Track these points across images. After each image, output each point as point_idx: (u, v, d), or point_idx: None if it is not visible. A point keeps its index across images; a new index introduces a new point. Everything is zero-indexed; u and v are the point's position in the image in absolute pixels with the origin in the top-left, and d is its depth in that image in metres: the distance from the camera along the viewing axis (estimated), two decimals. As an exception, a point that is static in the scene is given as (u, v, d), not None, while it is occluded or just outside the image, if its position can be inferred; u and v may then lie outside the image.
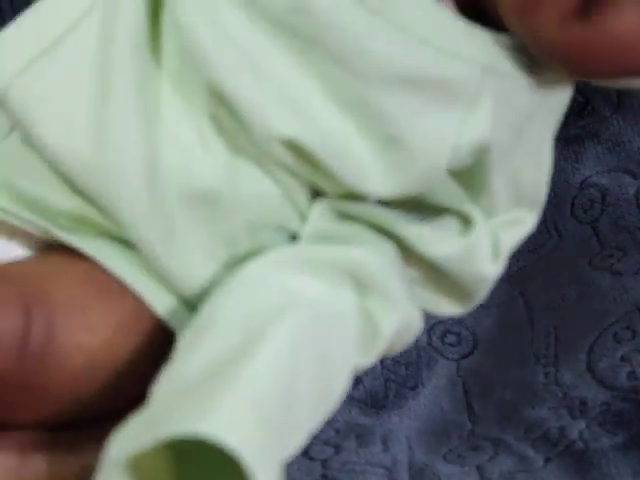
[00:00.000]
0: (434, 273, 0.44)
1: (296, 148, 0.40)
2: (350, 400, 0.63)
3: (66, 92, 0.41)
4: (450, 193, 0.44)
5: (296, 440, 0.37)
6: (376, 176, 0.41)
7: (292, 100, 0.40)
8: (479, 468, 0.61)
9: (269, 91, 0.40)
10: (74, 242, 0.42)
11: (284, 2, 0.39)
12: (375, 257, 0.42)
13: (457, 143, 0.40)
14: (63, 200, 0.42)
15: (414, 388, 0.63)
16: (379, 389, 0.63)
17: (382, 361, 0.63)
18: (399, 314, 0.42)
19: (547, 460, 0.61)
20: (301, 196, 0.43)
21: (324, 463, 0.62)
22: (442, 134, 0.40)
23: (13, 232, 0.44)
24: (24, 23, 0.42)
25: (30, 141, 0.41)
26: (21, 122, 0.41)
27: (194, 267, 0.42)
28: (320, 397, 0.39)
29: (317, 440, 0.61)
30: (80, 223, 0.43)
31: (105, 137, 0.40)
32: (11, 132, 0.43)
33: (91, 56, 0.41)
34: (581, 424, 0.62)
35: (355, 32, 0.39)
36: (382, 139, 0.40)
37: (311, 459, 0.61)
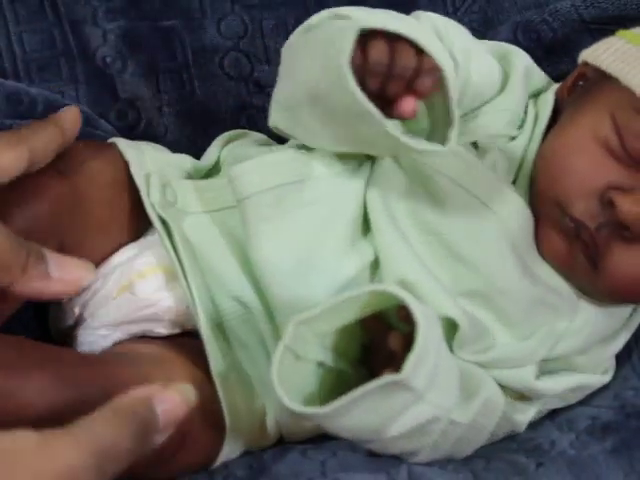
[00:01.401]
0: None
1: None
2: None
3: (293, 222, 0.59)
4: None
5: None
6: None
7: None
8: (474, 476, 0.61)
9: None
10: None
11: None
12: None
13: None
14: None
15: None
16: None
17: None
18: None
19: (539, 465, 0.61)
20: None
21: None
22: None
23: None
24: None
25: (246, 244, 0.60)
26: (245, 227, 0.60)
27: None
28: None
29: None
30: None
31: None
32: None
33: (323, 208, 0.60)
34: (570, 435, 0.63)
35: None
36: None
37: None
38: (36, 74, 0.76)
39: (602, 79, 0.61)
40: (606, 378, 0.66)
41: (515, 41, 0.74)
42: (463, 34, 0.66)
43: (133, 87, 0.78)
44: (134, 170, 0.63)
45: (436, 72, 0.53)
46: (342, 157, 0.62)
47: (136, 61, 0.77)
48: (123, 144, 0.66)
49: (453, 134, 0.53)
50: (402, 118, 0.54)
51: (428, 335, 0.51)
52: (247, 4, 0.78)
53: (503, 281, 0.60)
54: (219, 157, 0.71)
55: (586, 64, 0.64)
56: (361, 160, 0.63)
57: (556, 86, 0.67)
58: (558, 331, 0.61)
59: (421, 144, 0.54)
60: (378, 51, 0.53)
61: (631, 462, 0.60)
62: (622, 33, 0.63)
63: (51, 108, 0.73)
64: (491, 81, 0.66)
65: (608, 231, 0.58)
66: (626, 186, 0.57)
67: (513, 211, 0.60)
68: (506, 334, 0.61)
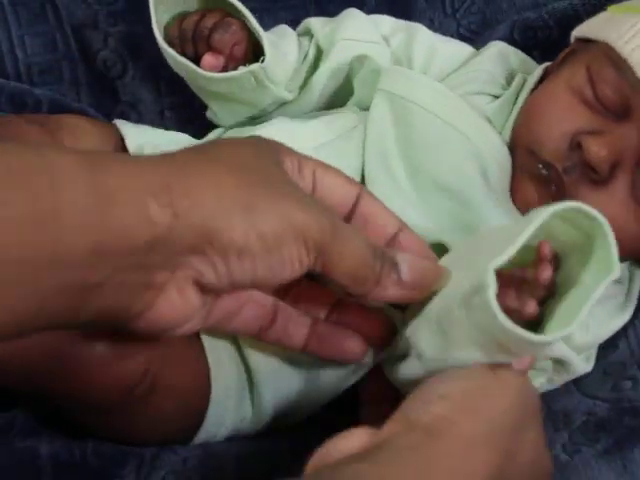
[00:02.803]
0: None
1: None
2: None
3: None
4: None
5: None
6: None
7: None
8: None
9: None
10: None
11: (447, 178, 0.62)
12: None
13: None
14: None
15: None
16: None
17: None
18: None
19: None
20: None
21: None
22: None
23: None
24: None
25: None
26: None
27: None
28: None
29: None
30: None
31: None
32: None
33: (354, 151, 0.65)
34: (564, 436, 0.62)
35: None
36: None
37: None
38: (38, 77, 0.77)
39: (585, 46, 0.63)
40: (588, 367, 0.64)
41: (512, 39, 0.75)
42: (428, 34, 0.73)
43: (134, 90, 0.79)
44: (128, 142, 0.66)
45: (227, 27, 0.65)
46: (335, 123, 0.66)
47: (137, 65, 0.78)
48: (121, 122, 0.70)
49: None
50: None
51: None
52: (247, 7, 0.79)
53: (490, 217, 0.61)
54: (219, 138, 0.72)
55: (576, 41, 0.66)
56: (353, 122, 0.66)
57: (547, 64, 0.69)
58: None
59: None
60: (188, 21, 0.66)
61: (623, 463, 0.58)
62: (611, 7, 0.65)
63: (56, 109, 0.74)
64: (460, 54, 0.71)
65: (576, 174, 0.59)
66: (596, 131, 0.59)
67: (491, 147, 0.63)
68: None
